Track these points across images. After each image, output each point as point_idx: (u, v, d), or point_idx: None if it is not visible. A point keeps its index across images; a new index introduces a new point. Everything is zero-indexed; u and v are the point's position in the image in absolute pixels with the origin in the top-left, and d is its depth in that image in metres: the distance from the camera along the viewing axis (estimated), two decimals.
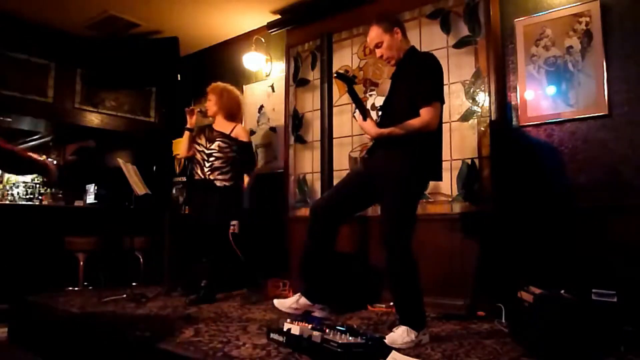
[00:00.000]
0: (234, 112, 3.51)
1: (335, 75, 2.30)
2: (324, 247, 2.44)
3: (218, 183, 3.29)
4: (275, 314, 2.79)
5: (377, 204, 2.36)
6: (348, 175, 2.53)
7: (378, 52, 2.36)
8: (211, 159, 3.32)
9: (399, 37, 2.33)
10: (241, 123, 3.60)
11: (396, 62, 2.37)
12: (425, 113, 2.15)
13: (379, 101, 3.43)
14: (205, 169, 3.32)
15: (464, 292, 2.89)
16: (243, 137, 3.42)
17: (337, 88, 3.87)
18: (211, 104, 3.46)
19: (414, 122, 2.15)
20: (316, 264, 2.48)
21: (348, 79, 2.27)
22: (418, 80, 2.20)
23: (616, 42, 2.70)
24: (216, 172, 3.30)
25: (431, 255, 3.00)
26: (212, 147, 3.34)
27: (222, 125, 3.45)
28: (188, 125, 3.47)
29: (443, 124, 3.10)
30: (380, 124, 2.29)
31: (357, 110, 2.26)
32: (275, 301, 2.57)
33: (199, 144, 3.41)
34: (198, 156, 3.39)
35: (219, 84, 3.54)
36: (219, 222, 3.32)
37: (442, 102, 2.23)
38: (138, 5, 4.17)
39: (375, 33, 2.33)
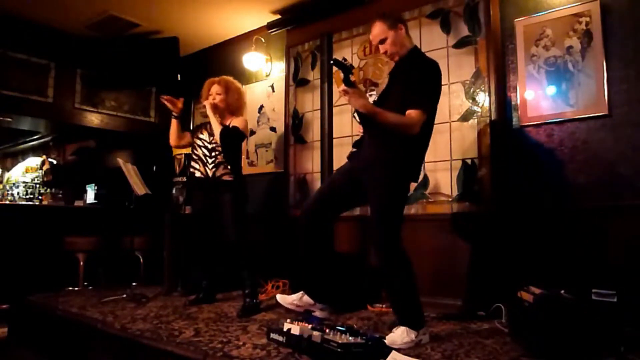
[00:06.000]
0: (237, 108, 3.33)
1: (332, 61, 2.22)
2: (319, 245, 2.44)
3: (225, 178, 3.11)
4: (276, 314, 2.79)
5: (365, 203, 2.36)
6: (336, 173, 2.53)
7: (382, 48, 2.35)
8: (214, 153, 3.13)
9: (403, 33, 2.34)
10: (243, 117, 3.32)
11: (398, 59, 2.36)
12: (411, 114, 2.14)
13: None
14: (209, 165, 3.12)
15: (463, 292, 2.90)
16: (237, 124, 3.17)
17: (337, 86, 3.87)
18: (220, 97, 3.22)
19: (400, 117, 2.14)
20: (314, 263, 2.48)
21: (345, 67, 2.17)
22: (415, 83, 2.19)
23: (616, 42, 2.70)
24: (221, 167, 3.11)
25: (431, 255, 3.01)
26: (215, 140, 3.12)
27: (223, 120, 3.23)
28: (174, 113, 3.23)
29: (443, 124, 3.17)
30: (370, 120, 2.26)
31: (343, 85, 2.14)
32: (278, 296, 2.57)
33: (200, 139, 3.21)
34: (199, 152, 3.18)
35: (227, 78, 3.35)
36: (236, 220, 3.05)
37: (431, 112, 2.23)
38: (138, 5, 4.17)
39: (379, 29, 2.33)
